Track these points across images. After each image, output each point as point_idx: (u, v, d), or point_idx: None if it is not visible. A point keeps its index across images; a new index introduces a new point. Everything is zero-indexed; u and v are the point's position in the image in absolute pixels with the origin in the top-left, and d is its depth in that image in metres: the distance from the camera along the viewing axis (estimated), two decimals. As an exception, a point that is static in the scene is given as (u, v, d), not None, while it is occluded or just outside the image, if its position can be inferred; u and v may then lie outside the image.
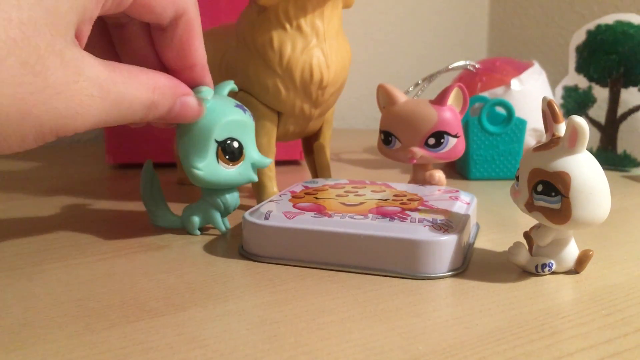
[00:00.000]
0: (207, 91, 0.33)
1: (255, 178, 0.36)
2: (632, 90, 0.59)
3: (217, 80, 0.42)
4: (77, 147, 0.80)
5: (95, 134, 0.86)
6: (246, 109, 0.35)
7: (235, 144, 0.34)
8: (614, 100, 0.61)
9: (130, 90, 0.27)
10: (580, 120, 0.26)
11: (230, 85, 0.36)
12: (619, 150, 0.61)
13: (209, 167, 0.34)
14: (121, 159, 0.63)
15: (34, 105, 0.23)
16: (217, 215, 0.36)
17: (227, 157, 0.34)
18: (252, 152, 0.35)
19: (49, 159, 0.69)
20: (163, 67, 0.33)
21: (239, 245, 0.35)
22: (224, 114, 0.34)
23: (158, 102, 0.29)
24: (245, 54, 0.41)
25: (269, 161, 0.36)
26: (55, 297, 0.27)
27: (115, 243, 0.36)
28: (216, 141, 0.33)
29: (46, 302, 0.27)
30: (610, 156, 0.61)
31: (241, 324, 0.25)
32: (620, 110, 0.60)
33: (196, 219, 0.37)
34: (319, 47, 0.40)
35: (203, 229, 0.38)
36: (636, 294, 0.28)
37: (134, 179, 0.57)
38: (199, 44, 0.32)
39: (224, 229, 0.37)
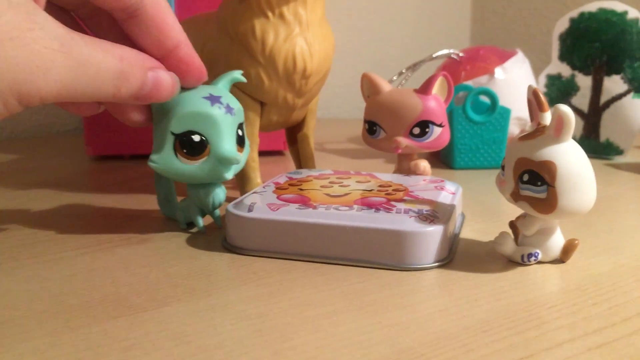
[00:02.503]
0: None
1: (227, 177, 0.33)
2: (615, 78, 0.60)
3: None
4: (57, 139, 0.79)
5: (75, 125, 0.84)
6: (224, 102, 0.32)
7: (196, 138, 0.31)
8: (597, 89, 0.61)
9: (95, 54, 0.25)
10: (566, 109, 0.26)
11: (229, 76, 0.34)
12: (602, 138, 0.61)
13: (163, 159, 0.32)
14: (101, 150, 0.62)
15: None
16: (196, 211, 0.35)
17: (184, 151, 0.32)
18: (220, 149, 0.32)
19: (27, 151, 0.68)
20: None
21: (222, 238, 0.34)
22: (184, 104, 0.31)
23: (128, 73, 0.26)
24: (226, 43, 0.40)
25: (238, 159, 0.32)
26: (34, 293, 0.27)
27: (96, 236, 0.35)
28: (172, 133, 0.31)
29: (24, 298, 0.26)
30: (593, 144, 0.61)
31: (225, 318, 0.24)
32: (603, 99, 0.60)
33: (181, 213, 0.36)
34: (302, 36, 0.39)
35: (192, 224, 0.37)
36: (622, 283, 0.28)
37: (114, 170, 0.56)
38: (173, 20, 0.29)
39: (201, 225, 0.35)
